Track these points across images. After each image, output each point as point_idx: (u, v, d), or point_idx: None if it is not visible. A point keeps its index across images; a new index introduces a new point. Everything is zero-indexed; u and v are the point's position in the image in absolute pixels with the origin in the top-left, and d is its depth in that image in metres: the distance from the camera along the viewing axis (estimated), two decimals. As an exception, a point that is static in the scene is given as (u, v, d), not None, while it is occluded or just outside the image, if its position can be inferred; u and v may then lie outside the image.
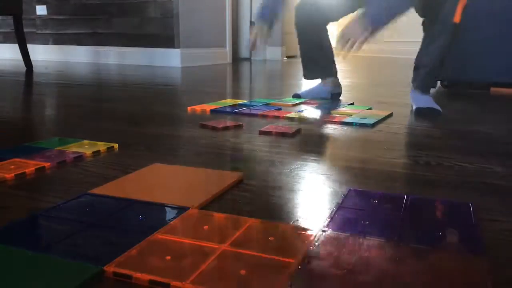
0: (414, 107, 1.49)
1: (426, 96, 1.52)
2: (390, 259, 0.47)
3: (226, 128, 1.19)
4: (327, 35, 1.75)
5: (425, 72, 1.50)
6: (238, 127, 1.22)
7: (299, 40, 1.79)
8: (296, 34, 1.79)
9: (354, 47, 1.29)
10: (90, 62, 3.93)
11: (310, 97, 1.81)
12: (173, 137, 1.09)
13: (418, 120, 1.38)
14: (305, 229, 0.54)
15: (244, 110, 1.47)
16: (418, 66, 1.54)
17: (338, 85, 1.86)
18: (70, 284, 0.41)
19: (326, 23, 1.71)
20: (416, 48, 1.65)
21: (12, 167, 0.78)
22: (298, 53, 1.93)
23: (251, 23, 5.07)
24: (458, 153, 0.97)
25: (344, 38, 1.29)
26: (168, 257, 0.47)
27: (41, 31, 4.15)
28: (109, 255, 0.47)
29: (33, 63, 3.13)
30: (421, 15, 1.57)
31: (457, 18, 1.37)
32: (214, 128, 1.18)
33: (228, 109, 1.47)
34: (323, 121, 1.31)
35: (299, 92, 1.86)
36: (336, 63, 1.81)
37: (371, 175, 0.80)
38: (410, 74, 1.67)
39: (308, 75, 1.82)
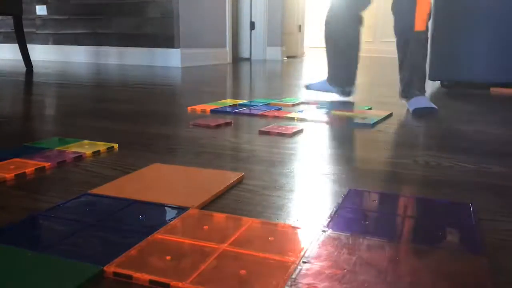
0: (412, 109, 1.50)
1: (420, 97, 1.53)
2: (390, 259, 0.47)
3: (218, 126, 1.19)
4: (357, 33, 1.71)
5: (411, 81, 1.55)
6: (228, 124, 1.24)
7: (326, 39, 1.77)
8: (324, 32, 1.76)
9: None
10: (90, 62, 3.93)
11: (317, 89, 1.84)
12: (173, 137, 1.09)
13: (418, 120, 1.38)
14: (305, 229, 0.55)
15: (244, 110, 1.47)
16: (402, 78, 1.59)
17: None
18: (70, 284, 0.41)
19: (359, 10, 1.67)
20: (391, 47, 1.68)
21: (12, 167, 0.78)
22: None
23: (251, 23, 5.07)
24: (458, 153, 0.97)
25: None
26: (168, 257, 0.47)
27: (41, 31, 4.15)
28: (109, 255, 0.47)
29: (33, 63, 3.13)
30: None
31: (419, 27, 1.47)
32: (207, 127, 1.19)
33: (228, 109, 1.48)
34: (330, 120, 1.33)
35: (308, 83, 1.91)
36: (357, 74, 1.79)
37: (371, 175, 0.80)
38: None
39: (332, 81, 1.80)
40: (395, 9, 1.54)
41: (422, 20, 1.47)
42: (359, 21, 1.69)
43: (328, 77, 1.81)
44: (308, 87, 1.90)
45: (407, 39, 1.52)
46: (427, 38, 1.53)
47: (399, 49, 1.57)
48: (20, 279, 0.42)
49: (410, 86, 1.55)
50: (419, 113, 1.46)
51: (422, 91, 1.55)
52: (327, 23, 1.73)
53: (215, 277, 0.43)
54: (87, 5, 3.87)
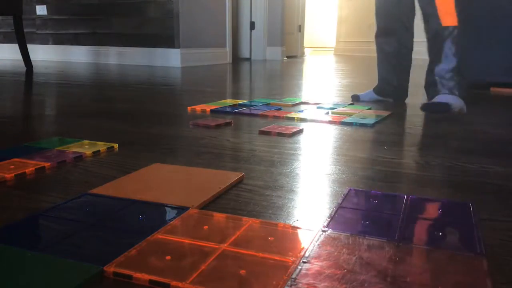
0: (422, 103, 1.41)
1: (445, 96, 1.38)
2: (390, 259, 0.47)
3: (218, 126, 1.19)
4: (408, 41, 1.64)
5: (437, 81, 1.42)
6: (228, 124, 1.25)
7: (376, 48, 1.73)
8: (376, 28, 1.70)
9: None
10: (90, 62, 3.93)
11: (367, 99, 1.78)
12: (173, 137, 1.09)
13: (418, 121, 1.38)
14: (305, 229, 0.55)
15: (244, 110, 1.47)
16: (428, 79, 1.46)
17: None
18: (70, 284, 0.41)
19: (404, 18, 1.61)
20: (416, 48, 1.65)
21: (12, 167, 0.78)
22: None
23: (251, 23, 5.07)
24: (458, 153, 0.97)
25: None
26: (168, 257, 0.47)
27: (41, 31, 4.15)
28: (109, 255, 0.47)
29: (33, 63, 3.13)
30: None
31: (447, 21, 1.35)
32: (207, 127, 1.19)
33: (228, 109, 1.48)
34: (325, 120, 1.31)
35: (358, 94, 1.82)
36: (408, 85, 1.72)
37: (371, 175, 0.80)
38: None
39: (379, 91, 1.76)
40: (419, 4, 1.44)
41: (448, 14, 1.35)
42: (406, 30, 1.62)
43: (376, 88, 1.77)
44: (357, 98, 1.79)
45: (434, 35, 1.40)
46: (459, 35, 1.37)
47: (428, 47, 1.46)
48: (20, 279, 0.42)
49: (436, 85, 1.41)
50: (426, 109, 1.35)
51: (453, 90, 1.38)
52: (376, 35, 1.72)
53: (215, 277, 0.43)
54: (87, 5, 3.87)
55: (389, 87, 1.74)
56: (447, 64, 1.37)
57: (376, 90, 1.78)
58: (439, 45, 1.38)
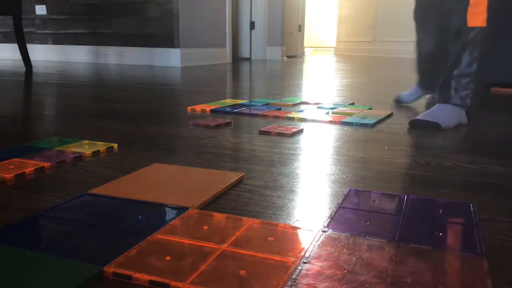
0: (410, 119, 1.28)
1: (446, 107, 1.27)
2: (390, 259, 0.47)
3: (218, 126, 1.19)
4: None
5: (450, 85, 1.28)
6: (228, 124, 1.25)
7: (417, 28, 1.55)
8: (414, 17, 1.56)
9: None
10: (90, 62, 3.93)
11: (411, 100, 1.68)
12: (173, 137, 1.09)
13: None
14: (305, 229, 0.54)
15: (244, 110, 1.47)
16: (446, 84, 1.30)
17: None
18: (70, 284, 0.41)
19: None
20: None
21: (12, 167, 0.78)
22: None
23: (251, 23, 5.07)
24: (458, 153, 0.97)
25: None
26: (168, 257, 0.47)
27: (41, 31, 4.15)
28: (109, 255, 0.46)
29: (32, 63, 3.12)
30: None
31: (473, 22, 1.20)
32: (207, 126, 1.19)
33: (228, 109, 1.47)
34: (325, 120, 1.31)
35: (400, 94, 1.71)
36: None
37: (371, 175, 0.80)
38: (409, 73, 1.66)
39: (423, 82, 1.62)
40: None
41: (478, 13, 1.20)
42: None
43: (419, 82, 1.64)
44: (399, 100, 1.68)
45: (456, 34, 1.25)
46: (484, 37, 1.22)
47: (450, 47, 1.31)
48: (20, 279, 0.42)
49: (450, 90, 1.26)
50: (414, 125, 1.24)
51: (465, 100, 1.26)
52: (414, 10, 1.55)
53: (215, 277, 0.43)
54: (87, 5, 3.87)
55: (428, 78, 1.57)
56: (467, 68, 1.24)
57: (418, 82, 1.64)
58: (461, 46, 1.24)
